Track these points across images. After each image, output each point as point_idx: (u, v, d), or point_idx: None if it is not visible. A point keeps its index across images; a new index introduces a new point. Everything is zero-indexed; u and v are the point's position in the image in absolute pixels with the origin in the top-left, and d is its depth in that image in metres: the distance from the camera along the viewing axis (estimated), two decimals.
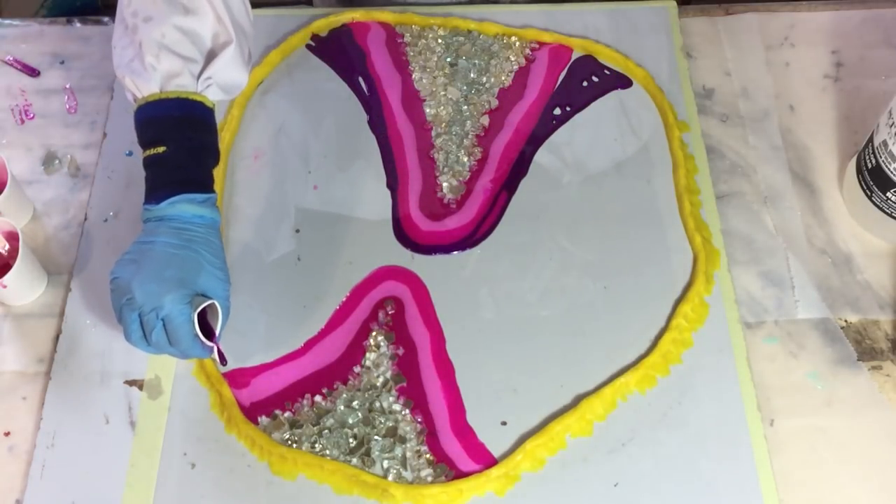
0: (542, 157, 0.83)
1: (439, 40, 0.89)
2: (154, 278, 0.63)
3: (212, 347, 0.65)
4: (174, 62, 0.68)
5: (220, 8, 0.69)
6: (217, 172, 0.80)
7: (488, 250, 0.78)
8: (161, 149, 0.67)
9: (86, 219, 0.79)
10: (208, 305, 0.65)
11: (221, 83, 0.71)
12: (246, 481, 0.67)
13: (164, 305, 0.63)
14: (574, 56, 0.89)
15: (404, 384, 0.71)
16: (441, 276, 0.76)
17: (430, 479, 0.67)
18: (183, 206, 0.66)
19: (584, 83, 0.87)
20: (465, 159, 0.82)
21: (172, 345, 0.64)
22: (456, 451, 0.68)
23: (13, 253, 0.72)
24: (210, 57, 0.70)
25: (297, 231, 0.79)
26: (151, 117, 0.68)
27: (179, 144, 0.68)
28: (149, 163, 0.67)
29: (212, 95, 0.70)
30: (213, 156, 0.70)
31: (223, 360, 0.67)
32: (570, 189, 0.81)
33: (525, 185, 0.81)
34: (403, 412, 0.70)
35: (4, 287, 0.72)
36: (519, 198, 0.80)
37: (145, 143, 0.68)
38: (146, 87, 0.68)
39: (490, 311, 0.74)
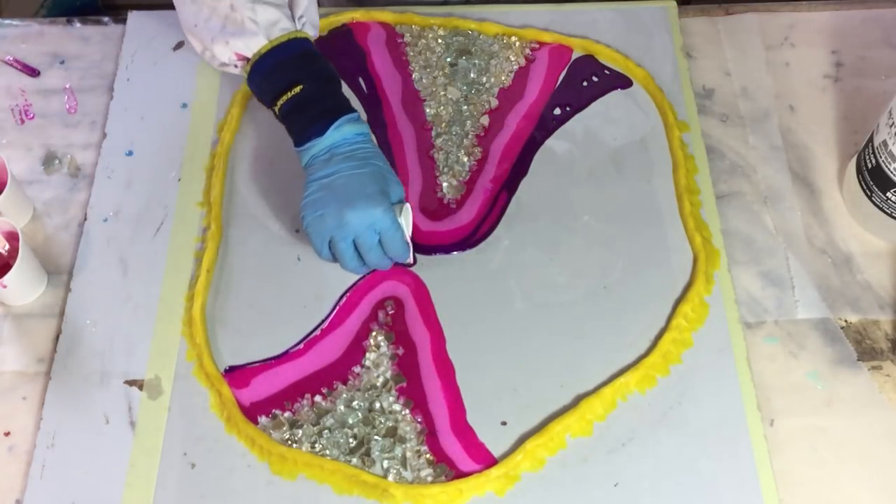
0: (541, 157, 0.83)
1: (439, 40, 0.89)
2: (361, 199, 0.67)
3: (411, 247, 0.71)
4: (270, 11, 0.71)
5: None
6: (217, 172, 0.81)
7: (488, 250, 0.78)
8: (297, 88, 0.70)
9: (86, 219, 0.79)
10: (399, 207, 0.70)
11: (311, 20, 0.76)
12: (246, 481, 0.67)
13: (378, 220, 0.67)
14: (574, 56, 0.89)
15: (404, 384, 0.71)
16: (441, 276, 0.76)
17: (430, 479, 0.67)
18: (346, 128, 0.70)
19: (584, 83, 0.87)
20: (465, 159, 0.82)
21: (388, 254, 0.69)
22: (456, 451, 0.68)
23: (13, 253, 0.72)
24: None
25: (297, 231, 0.79)
26: (273, 65, 0.71)
27: (314, 78, 0.71)
28: (290, 106, 0.70)
29: (308, 31, 0.75)
30: (339, 80, 0.74)
31: (414, 259, 0.74)
32: (570, 189, 0.81)
33: (525, 185, 0.81)
34: (403, 412, 0.70)
35: (4, 287, 0.72)
36: (519, 198, 0.80)
37: (277, 91, 0.70)
38: (254, 41, 0.71)
39: (490, 311, 0.74)
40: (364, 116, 0.85)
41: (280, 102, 0.71)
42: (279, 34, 0.72)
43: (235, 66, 0.74)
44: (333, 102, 0.72)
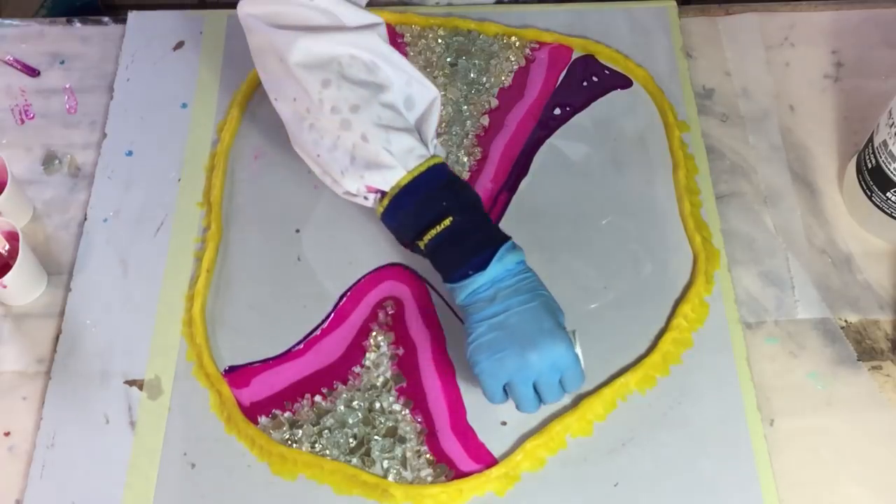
0: (542, 157, 0.83)
1: (439, 40, 0.89)
2: (542, 337, 0.61)
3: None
4: (404, 138, 0.65)
5: (408, 69, 0.68)
6: (217, 172, 0.81)
7: None
8: (447, 221, 0.64)
9: (85, 219, 0.79)
10: (570, 333, 0.64)
11: (435, 138, 0.70)
12: (246, 481, 0.67)
13: (560, 358, 0.62)
14: (574, 56, 0.89)
15: (404, 384, 0.71)
16: (441, 277, 0.76)
17: (430, 479, 0.67)
18: (508, 258, 0.64)
19: (584, 83, 0.87)
20: (465, 159, 0.82)
21: (567, 389, 0.63)
22: (456, 451, 0.68)
23: (13, 253, 0.72)
24: (420, 119, 0.69)
25: (297, 231, 0.79)
26: (417, 199, 0.65)
27: (462, 208, 0.65)
28: (441, 240, 0.64)
29: (440, 153, 0.69)
30: (481, 202, 0.68)
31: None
32: (570, 189, 0.81)
33: (525, 185, 0.81)
34: (403, 412, 0.70)
35: (4, 287, 0.72)
36: (519, 198, 0.80)
37: (424, 225, 0.64)
38: (392, 174, 0.65)
39: None
40: None
41: (427, 238, 0.64)
42: (417, 162, 0.65)
43: (365, 199, 0.67)
44: (487, 232, 0.65)
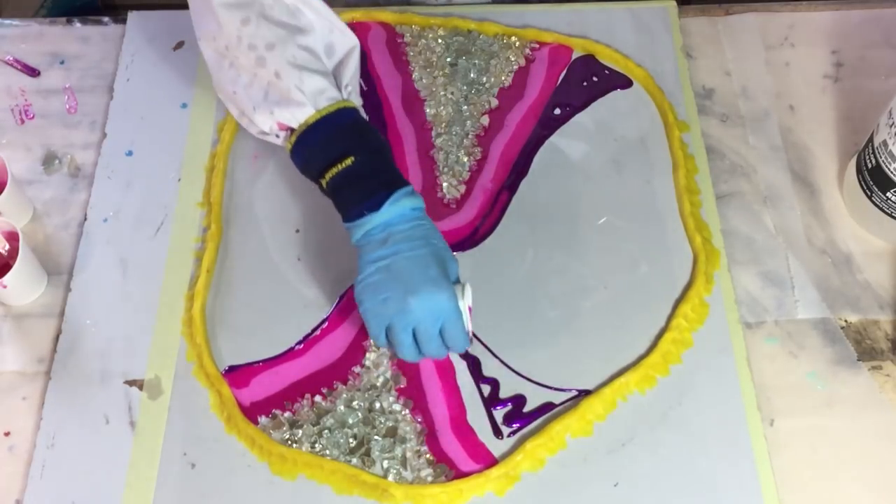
0: (542, 157, 0.83)
1: (439, 40, 0.89)
2: (424, 284, 0.62)
3: (471, 335, 0.65)
4: (317, 79, 0.67)
5: (330, 17, 0.70)
6: (217, 172, 0.81)
7: (489, 251, 0.78)
8: (349, 160, 0.65)
9: (85, 219, 0.79)
10: (460, 288, 0.64)
11: (356, 88, 0.71)
12: (246, 481, 0.67)
13: (443, 308, 0.62)
14: (574, 56, 0.89)
15: (404, 384, 0.71)
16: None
17: (430, 479, 0.67)
18: (404, 202, 0.65)
19: (584, 83, 0.87)
20: (465, 159, 0.82)
21: (447, 343, 0.64)
22: (456, 451, 0.68)
23: (13, 253, 0.72)
24: (338, 66, 0.71)
25: (297, 231, 0.79)
26: (322, 137, 0.66)
27: (365, 149, 0.66)
28: (340, 179, 0.65)
29: (354, 100, 0.70)
30: (390, 151, 0.69)
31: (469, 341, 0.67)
32: (570, 189, 0.81)
33: (525, 185, 0.81)
34: (403, 412, 0.70)
35: (4, 287, 0.72)
36: (519, 198, 0.80)
37: (325, 164, 0.66)
38: (301, 111, 0.66)
39: (490, 311, 0.74)
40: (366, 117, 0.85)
41: (328, 176, 0.66)
42: (327, 104, 0.67)
43: (277, 136, 0.70)
44: (388, 176, 0.66)
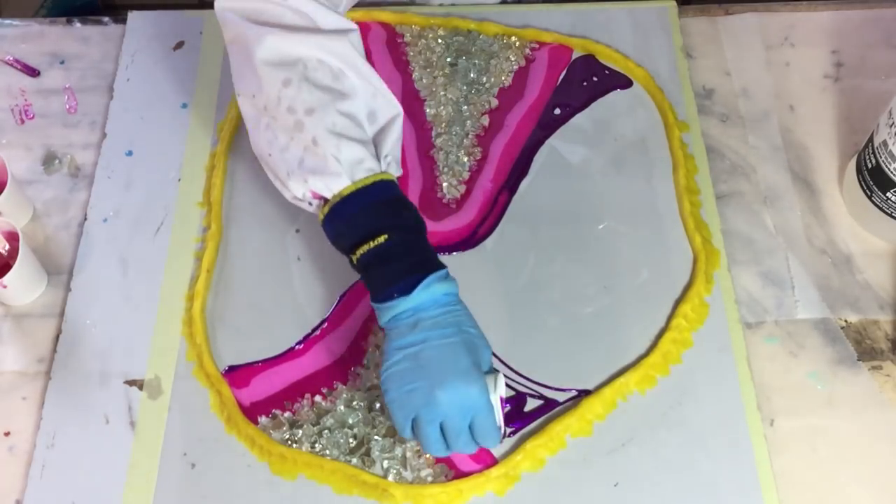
0: (542, 156, 0.83)
1: (439, 40, 0.89)
2: (453, 376, 0.59)
3: (504, 429, 0.62)
4: (355, 148, 0.64)
5: (375, 82, 0.67)
6: (217, 172, 0.81)
7: (488, 251, 0.78)
8: (382, 238, 0.62)
9: (85, 219, 0.79)
10: (492, 378, 0.60)
11: (395, 158, 0.67)
12: (246, 481, 0.67)
13: (473, 402, 0.59)
14: (574, 56, 0.89)
15: None
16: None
17: (430, 479, 0.67)
18: (435, 288, 0.61)
19: (584, 83, 0.87)
20: (465, 159, 0.82)
21: (477, 439, 0.60)
22: None
23: (13, 253, 0.72)
24: (379, 133, 0.67)
25: (297, 231, 0.79)
26: (356, 211, 0.63)
27: (399, 228, 0.63)
28: (371, 257, 0.62)
29: (393, 171, 0.66)
30: (425, 230, 0.65)
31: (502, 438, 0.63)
32: (570, 189, 0.81)
33: (525, 185, 0.81)
34: None
35: (4, 287, 0.72)
36: (519, 198, 0.80)
37: (358, 238, 0.62)
38: (336, 182, 0.63)
39: (490, 311, 0.74)
40: None
41: (359, 252, 0.62)
42: (364, 175, 0.63)
43: (310, 204, 0.66)
44: (421, 257, 0.63)
